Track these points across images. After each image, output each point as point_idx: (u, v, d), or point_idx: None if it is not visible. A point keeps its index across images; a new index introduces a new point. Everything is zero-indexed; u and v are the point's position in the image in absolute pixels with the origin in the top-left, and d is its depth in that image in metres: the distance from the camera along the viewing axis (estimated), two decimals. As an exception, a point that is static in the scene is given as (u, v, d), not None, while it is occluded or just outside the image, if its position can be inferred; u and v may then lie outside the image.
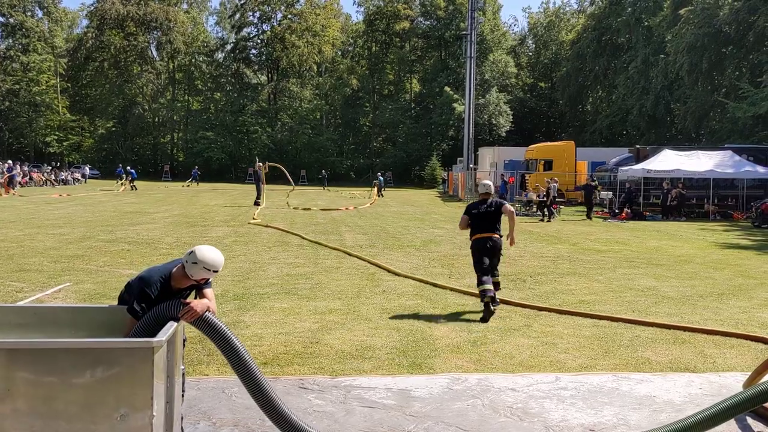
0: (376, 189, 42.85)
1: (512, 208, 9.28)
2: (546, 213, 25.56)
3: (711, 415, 4.36)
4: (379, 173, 46.98)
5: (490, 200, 9.09)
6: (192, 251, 4.24)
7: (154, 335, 3.83)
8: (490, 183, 9.54)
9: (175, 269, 4.32)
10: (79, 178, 54.20)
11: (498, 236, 9.05)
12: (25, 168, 49.73)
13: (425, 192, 45.47)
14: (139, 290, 4.23)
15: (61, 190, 40.08)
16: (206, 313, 4.09)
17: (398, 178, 62.54)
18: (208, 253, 4.24)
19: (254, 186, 31.20)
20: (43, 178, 48.25)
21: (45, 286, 9.88)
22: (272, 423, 4.14)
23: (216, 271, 4.28)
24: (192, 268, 4.22)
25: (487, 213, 8.99)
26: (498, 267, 9.12)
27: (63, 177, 51.02)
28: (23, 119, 68.55)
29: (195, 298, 4.43)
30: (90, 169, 62.20)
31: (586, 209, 26.99)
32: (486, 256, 8.88)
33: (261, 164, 30.40)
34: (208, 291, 4.38)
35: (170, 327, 3.87)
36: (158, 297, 4.23)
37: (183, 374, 4.41)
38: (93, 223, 19.86)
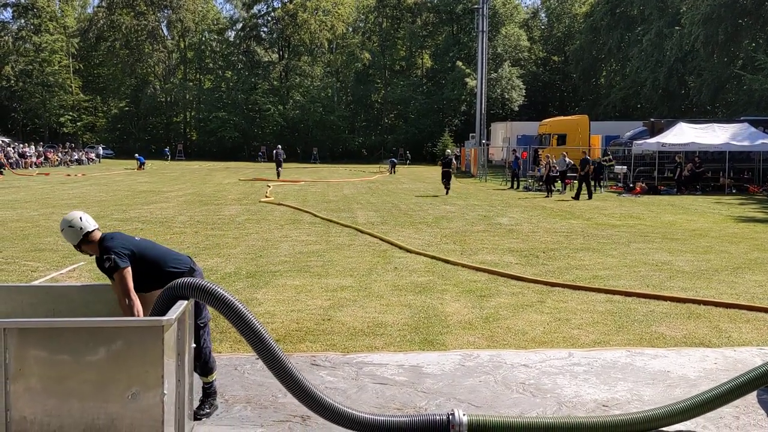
0: (389, 167, 43.25)
1: (455, 162, 30.37)
2: (547, 188, 24.98)
3: (728, 390, 4.32)
4: (392, 158, 46.90)
5: (450, 156, 26.83)
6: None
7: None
8: (450, 151, 32.32)
9: None
10: (93, 158, 54.45)
11: (450, 170, 25.69)
12: (40, 148, 50.04)
13: (437, 168, 45.27)
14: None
15: (75, 170, 40.30)
16: (218, 289, 4.04)
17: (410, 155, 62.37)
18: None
19: (259, 163, 34.95)
20: (59, 159, 48.53)
21: (60, 265, 9.95)
22: (281, 383, 4.12)
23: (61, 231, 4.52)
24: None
25: (448, 161, 25.86)
26: (450, 183, 25.49)
27: (77, 157, 51.26)
28: (37, 100, 68.71)
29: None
30: (104, 148, 62.39)
31: (577, 187, 23.67)
32: (446, 178, 25.22)
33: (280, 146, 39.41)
34: (115, 280, 4.36)
35: (180, 305, 3.87)
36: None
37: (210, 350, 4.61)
38: (107, 203, 19.97)
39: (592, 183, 25.14)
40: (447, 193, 24.91)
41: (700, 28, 44.63)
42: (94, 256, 4.52)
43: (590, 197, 23.40)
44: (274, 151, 37.94)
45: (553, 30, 77.19)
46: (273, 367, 4.06)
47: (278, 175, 34.81)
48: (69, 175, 35.37)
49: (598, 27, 62.91)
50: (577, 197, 23.20)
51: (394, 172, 42.33)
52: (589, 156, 24.74)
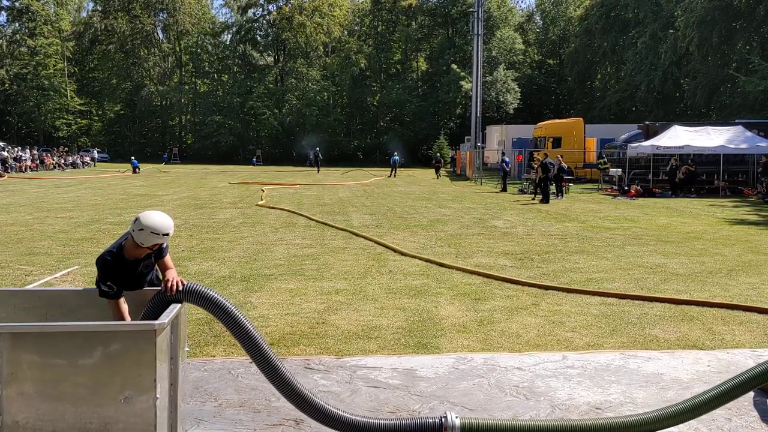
0: (391, 168, 43.03)
1: (443, 162, 48.00)
2: (539, 191, 24.11)
3: (721, 392, 4.33)
4: (395, 153, 45.87)
5: (440, 159, 46.50)
6: (137, 218, 4.12)
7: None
8: (440, 155, 50.17)
9: (125, 241, 4.27)
10: (88, 161, 54.38)
11: (440, 165, 44.47)
12: (35, 152, 49.95)
13: (433, 171, 45.51)
14: (100, 271, 4.22)
15: (70, 174, 40.22)
16: (211, 292, 4.05)
17: (406, 158, 62.31)
18: (154, 217, 4.12)
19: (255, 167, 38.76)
20: (54, 162, 48.47)
21: (54, 269, 9.93)
22: (273, 385, 4.12)
23: (166, 235, 4.14)
24: (140, 236, 4.11)
25: (438, 160, 45.14)
26: (439, 171, 43.28)
27: (72, 161, 51.19)
28: (32, 103, 68.58)
29: (152, 269, 4.49)
30: (99, 152, 62.33)
31: (542, 193, 23.64)
32: (437, 170, 43.18)
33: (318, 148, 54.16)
34: (167, 260, 4.35)
35: (173, 309, 3.87)
36: (117, 271, 4.21)
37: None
38: (101, 206, 19.94)
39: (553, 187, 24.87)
40: (438, 177, 40.93)
41: (694, 30, 44.80)
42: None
43: (547, 201, 23.18)
44: (312, 153, 52.06)
45: (548, 33, 77.29)
46: (265, 370, 4.07)
47: (318, 170, 47.79)
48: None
49: (592, 30, 63.05)
50: (545, 200, 23.20)
51: (395, 174, 42.09)
52: (551, 160, 24.54)
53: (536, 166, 25.38)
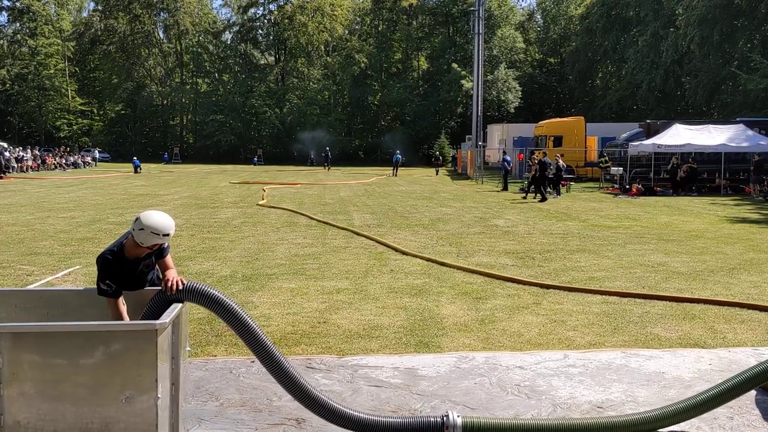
0: (393, 167, 42.83)
1: (441, 160, 50.32)
2: (534, 189, 24.12)
3: (723, 391, 4.32)
4: (398, 152, 45.49)
5: (440, 158, 49.57)
6: (137, 218, 4.12)
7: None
8: (438, 153, 52.72)
9: (126, 240, 4.26)
10: (90, 161, 54.41)
11: (439, 163, 47.78)
12: (36, 152, 49.99)
13: (434, 170, 45.60)
14: (100, 269, 4.22)
15: (71, 174, 40.22)
16: (211, 290, 4.06)
17: (407, 157, 62.30)
18: (155, 217, 4.12)
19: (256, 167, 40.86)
20: (55, 162, 48.51)
21: (55, 269, 9.93)
22: (278, 381, 4.13)
23: (166, 235, 4.14)
24: (140, 236, 4.10)
25: (438, 158, 48.64)
26: (438, 170, 46.42)
27: (73, 161, 51.23)
28: (33, 103, 68.60)
29: (152, 268, 4.50)
30: (100, 152, 62.33)
31: (537, 191, 23.89)
32: (437, 168, 46.41)
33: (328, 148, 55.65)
34: (167, 260, 4.35)
35: (174, 309, 3.86)
36: (117, 270, 4.21)
37: None
38: (103, 206, 19.94)
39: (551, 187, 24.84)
40: (437, 174, 43.62)
41: (695, 29, 44.74)
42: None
43: (544, 199, 23.16)
44: (323, 154, 53.25)
45: (549, 32, 77.17)
46: (268, 366, 4.08)
47: (328, 169, 49.97)
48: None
49: (593, 29, 62.94)
50: (543, 199, 23.22)
51: (396, 173, 42.00)
52: (549, 159, 24.52)
53: (532, 164, 25.33)
